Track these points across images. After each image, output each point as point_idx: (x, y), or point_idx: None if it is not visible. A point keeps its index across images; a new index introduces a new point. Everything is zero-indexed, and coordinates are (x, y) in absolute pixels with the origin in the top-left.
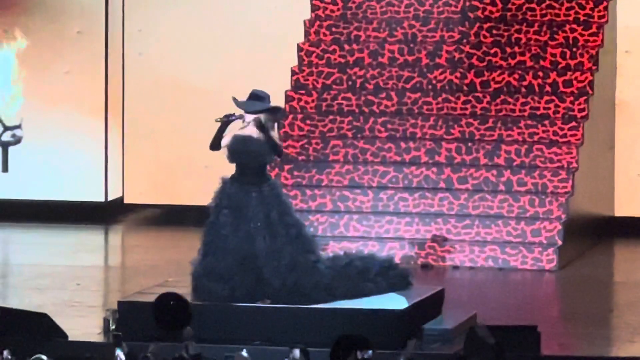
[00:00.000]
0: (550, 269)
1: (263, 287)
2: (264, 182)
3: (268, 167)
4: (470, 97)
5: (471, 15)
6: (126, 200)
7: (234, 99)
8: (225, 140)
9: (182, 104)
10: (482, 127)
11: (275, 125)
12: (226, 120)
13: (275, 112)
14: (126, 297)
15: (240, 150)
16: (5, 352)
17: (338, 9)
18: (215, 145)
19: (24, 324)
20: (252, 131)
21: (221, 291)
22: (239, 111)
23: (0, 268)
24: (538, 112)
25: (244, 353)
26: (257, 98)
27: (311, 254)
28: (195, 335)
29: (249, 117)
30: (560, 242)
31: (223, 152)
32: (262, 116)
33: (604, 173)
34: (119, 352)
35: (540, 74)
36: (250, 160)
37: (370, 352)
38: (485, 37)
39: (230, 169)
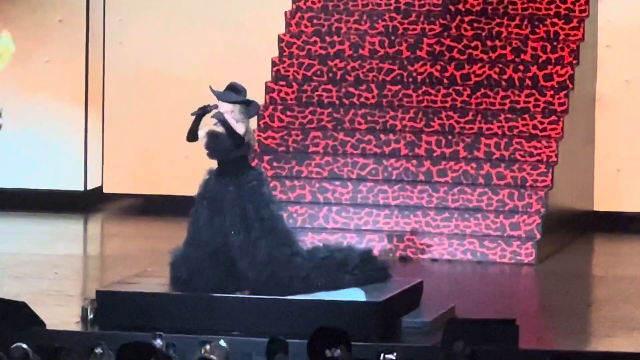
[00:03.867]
0: (528, 263)
1: (238, 280)
2: (242, 174)
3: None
4: (450, 90)
5: (452, 8)
6: (105, 190)
7: (211, 88)
8: (202, 132)
9: (162, 94)
10: (462, 120)
11: (251, 119)
12: (201, 113)
13: (249, 106)
14: (105, 286)
15: (212, 147)
16: None
17: (319, 1)
18: (190, 136)
19: (1, 313)
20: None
21: (195, 283)
22: (215, 101)
23: None
24: (518, 106)
25: (222, 342)
26: (234, 90)
27: (286, 247)
28: (174, 326)
29: (224, 108)
30: (539, 236)
31: (202, 143)
32: (235, 108)
33: (583, 167)
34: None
35: (521, 67)
36: (223, 156)
37: (339, 351)
38: (466, 30)
39: (209, 160)
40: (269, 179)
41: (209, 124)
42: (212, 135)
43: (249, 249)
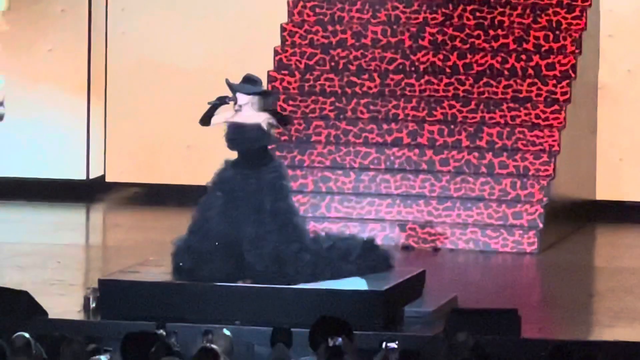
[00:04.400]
0: (531, 252)
1: (244, 271)
2: (264, 165)
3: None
4: (452, 80)
5: None
6: (108, 179)
7: (228, 81)
8: (217, 118)
9: (164, 84)
10: (465, 110)
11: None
12: (219, 103)
13: (268, 96)
14: (107, 275)
15: (237, 138)
16: None
17: None
18: (204, 120)
19: (3, 302)
20: (246, 116)
21: (200, 272)
22: (230, 93)
23: None
24: (520, 95)
25: (226, 331)
26: (251, 82)
27: (296, 243)
28: (176, 315)
29: (242, 100)
30: (541, 225)
31: (206, 132)
32: (254, 100)
33: (585, 157)
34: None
35: (523, 56)
36: (248, 147)
37: (340, 340)
38: (468, 19)
39: (212, 149)
40: None
41: (219, 112)
42: (235, 126)
43: (258, 242)
